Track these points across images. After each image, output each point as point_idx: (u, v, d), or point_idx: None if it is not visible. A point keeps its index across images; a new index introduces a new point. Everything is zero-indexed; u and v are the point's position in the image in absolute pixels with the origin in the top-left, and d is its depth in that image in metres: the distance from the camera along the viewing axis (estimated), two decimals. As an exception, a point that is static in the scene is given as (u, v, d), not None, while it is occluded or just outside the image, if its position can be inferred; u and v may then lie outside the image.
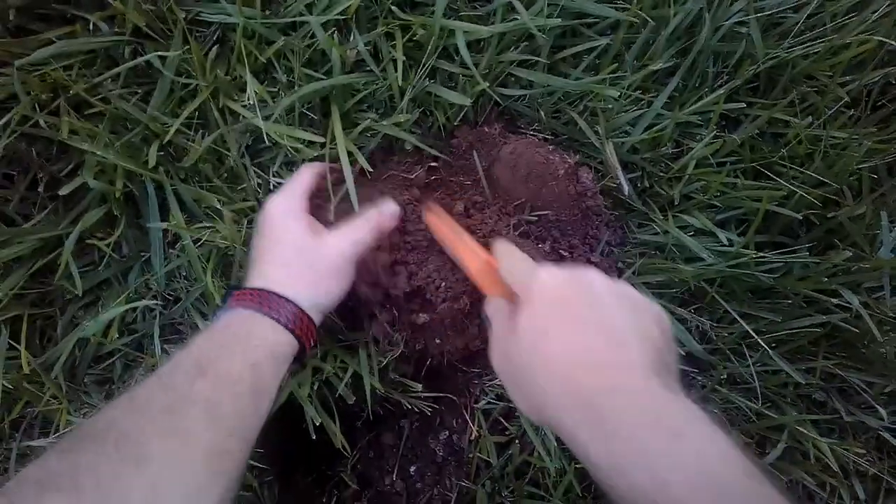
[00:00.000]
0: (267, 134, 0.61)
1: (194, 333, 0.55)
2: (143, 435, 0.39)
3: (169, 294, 0.66)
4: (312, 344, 0.55)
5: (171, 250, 0.65)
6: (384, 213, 0.60)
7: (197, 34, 0.65)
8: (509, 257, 0.46)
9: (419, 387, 0.68)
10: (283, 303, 0.52)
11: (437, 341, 0.68)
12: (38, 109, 0.60)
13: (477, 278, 0.52)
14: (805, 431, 0.71)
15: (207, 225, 0.63)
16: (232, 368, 0.46)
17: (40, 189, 0.61)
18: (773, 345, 0.74)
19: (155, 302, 0.65)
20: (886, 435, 0.77)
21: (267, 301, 0.52)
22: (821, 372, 0.75)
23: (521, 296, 0.42)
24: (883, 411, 0.73)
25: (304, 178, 0.59)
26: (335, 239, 0.56)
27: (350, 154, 0.64)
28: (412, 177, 0.69)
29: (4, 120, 0.58)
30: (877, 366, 0.75)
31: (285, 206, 0.57)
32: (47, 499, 0.34)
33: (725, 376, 0.74)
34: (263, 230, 0.57)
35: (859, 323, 0.72)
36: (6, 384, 0.60)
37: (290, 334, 0.52)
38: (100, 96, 0.61)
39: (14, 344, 0.61)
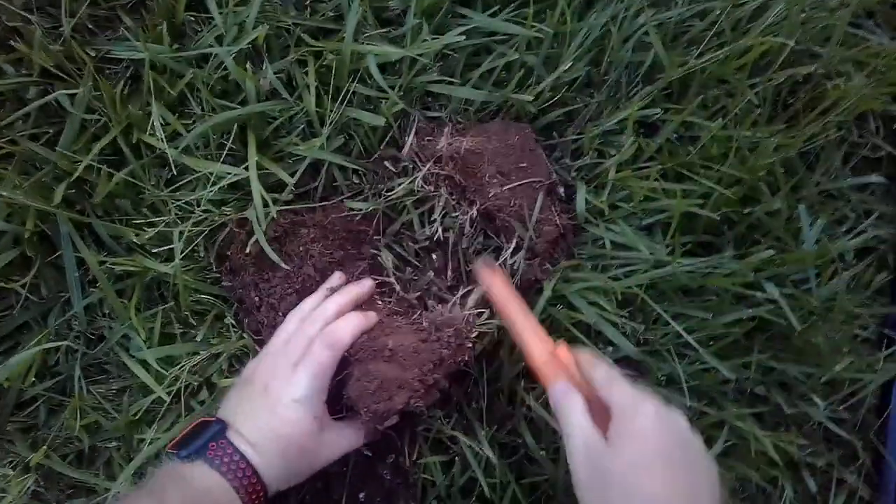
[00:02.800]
0: (177, 163, 0.60)
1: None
2: None
3: (92, 333, 0.65)
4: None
5: (91, 288, 0.64)
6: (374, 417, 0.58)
7: (108, 71, 0.65)
8: (607, 372, 0.49)
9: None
10: (258, 484, 0.52)
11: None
12: (-57, 155, 0.59)
13: (539, 370, 0.53)
14: (744, 426, 0.71)
15: (125, 259, 0.62)
16: None
17: (-50, 236, 0.60)
18: (710, 342, 0.75)
19: (77, 342, 0.63)
20: (830, 425, 0.77)
21: (238, 472, 0.51)
22: (759, 366, 0.76)
23: (620, 416, 0.44)
24: (819, 401, 0.74)
25: (327, 365, 0.57)
26: (329, 447, 0.58)
27: (270, 175, 0.64)
28: (358, 210, 0.68)
29: None
30: (811, 356, 0.76)
31: (303, 400, 0.55)
32: None
33: (665, 377, 0.75)
34: (272, 395, 0.55)
35: (787, 315, 0.73)
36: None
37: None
38: (7, 138, 0.61)
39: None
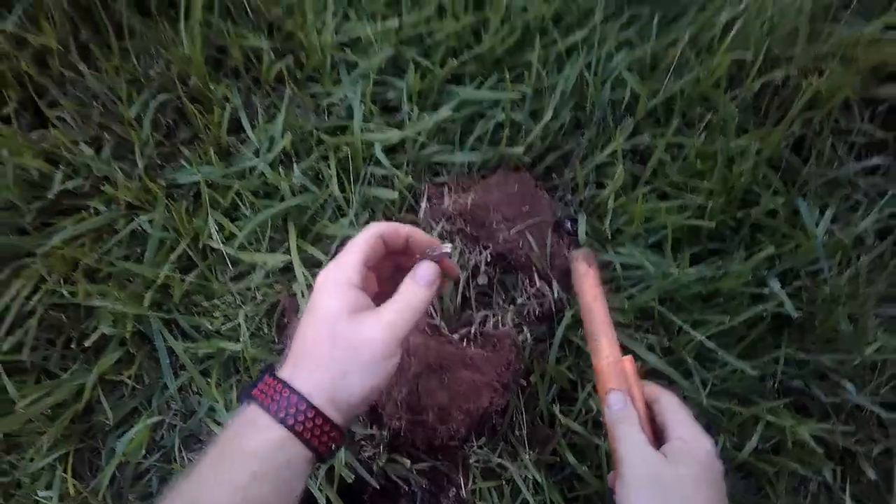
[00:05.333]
0: (234, 259, 0.74)
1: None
2: None
3: (185, 410, 0.78)
4: (329, 447, 0.46)
5: (181, 372, 0.78)
6: (420, 280, 0.50)
7: (175, 195, 0.81)
8: (671, 400, 0.54)
9: (408, 462, 0.75)
10: (292, 399, 0.44)
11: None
12: (60, 283, 0.76)
13: (602, 371, 0.56)
14: (777, 420, 0.73)
15: (205, 343, 0.76)
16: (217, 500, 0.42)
17: (73, 345, 0.76)
18: (737, 343, 0.78)
19: (175, 419, 0.77)
20: (875, 408, 0.78)
21: (274, 395, 0.45)
22: (793, 360, 0.78)
23: (682, 441, 0.51)
24: (849, 385, 0.75)
25: (359, 244, 0.50)
26: (369, 325, 0.47)
27: (311, 256, 0.77)
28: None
29: (37, 298, 0.75)
30: (840, 343, 0.78)
31: (331, 277, 0.48)
32: None
33: (698, 384, 0.78)
34: (308, 305, 0.49)
35: (803, 307, 0.76)
36: (66, 512, 0.72)
37: (295, 438, 0.44)
38: (107, 261, 0.77)
39: (64, 475, 0.73)
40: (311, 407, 0.44)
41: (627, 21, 0.88)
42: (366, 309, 0.48)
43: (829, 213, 0.81)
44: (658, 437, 0.53)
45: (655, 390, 0.56)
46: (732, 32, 0.80)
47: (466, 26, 0.83)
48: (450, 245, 0.51)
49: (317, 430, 0.44)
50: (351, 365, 0.46)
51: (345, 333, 0.46)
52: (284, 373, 0.46)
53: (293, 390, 0.44)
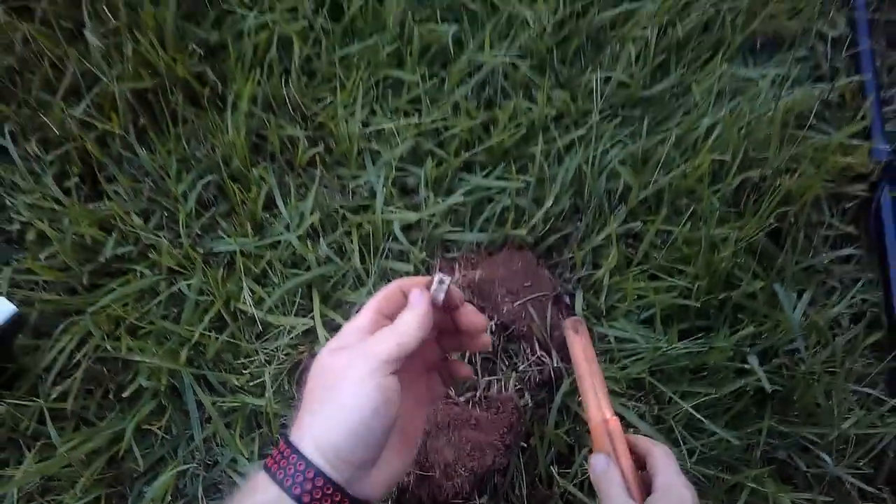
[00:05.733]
0: (262, 321, 0.82)
1: None
2: None
3: (209, 460, 0.84)
4: None
5: (207, 424, 0.84)
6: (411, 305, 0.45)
7: (212, 262, 0.90)
8: (667, 457, 0.57)
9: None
10: (299, 465, 0.39)
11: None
12: (105, 338, 0.84)
13: (591, 431, 0.60)
14: (760, 487, 0.78)
15: (231, 398, 0.82)
16: None
17: (111, 396, 0.83)
18: (723, 413, 0.84)
19: (199, 468, 0.82)
20: (853, 480, 0.82)
21: (282, 460, 0.40)
22: (777, 431, 0.83)
23: (665, 490, 0.54)
24: (827, 458, 0.80)
25: (369, 312, 0.46)
26: (352, 358, 0.42)
27: (333, 321, 0.84)
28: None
29: (83, 352, 0.82)
30: (819, 416, 0.83)
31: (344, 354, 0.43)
32: None
33: (686, 452, 0.84)
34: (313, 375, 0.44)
35: (784, 382, 0.83)
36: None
37: None
38: (147, 320, 0.85)
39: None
40: (324, 478, 0.39)
41: (621, 121, 0.99)
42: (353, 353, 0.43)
43: (806, 297, 0.89)
44: (649, 489, 0.57)
45: (647, 444, 0.59)
46: (713, 136, 0.90)
47: (478, 123, 0.94)
48: (441, 275, 0.47)
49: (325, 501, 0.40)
50: (352, 417, 0.40)
51: (330, 388, 0.41)
52: (293, 436, 0.41)
53: (307, 460, 0.40)
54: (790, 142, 0.93)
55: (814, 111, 0.96)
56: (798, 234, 0.90)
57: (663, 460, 0.57)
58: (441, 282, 0.47)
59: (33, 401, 0.79)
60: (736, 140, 0.92)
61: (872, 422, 0.83)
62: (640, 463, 0.59)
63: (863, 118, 0.96)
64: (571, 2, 1.02)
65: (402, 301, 0.47)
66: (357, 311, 0.46)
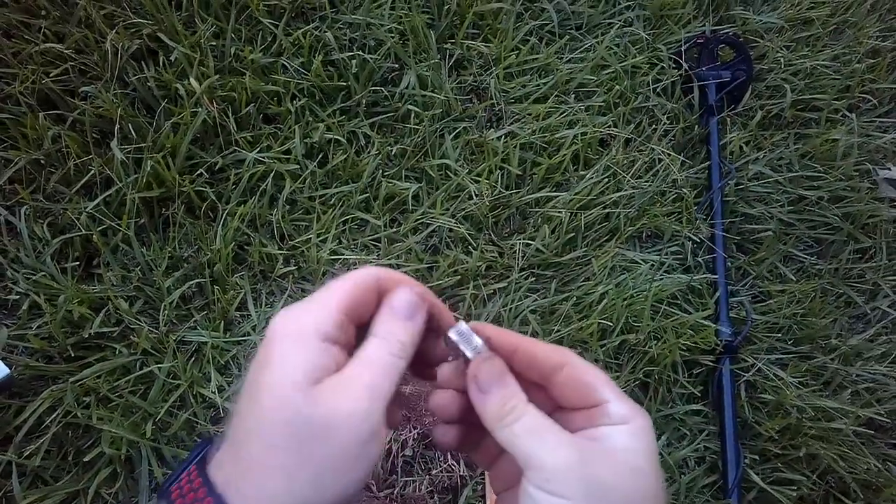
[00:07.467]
0: (221, 407, 0.96)
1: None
2: None
3: (148, 529, 0.94)
4: None
5: (153, 494, 0.95)
6: (399, 311, 0.36)
7: (183, 349, 1.05)
8: (594, 371, 0.36)
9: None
10: None
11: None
12: (76, 405, 0.95)
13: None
14: None
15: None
16: None
17: (69, 458, 0.93)
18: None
19: (137, 535, 0.92)
20: None
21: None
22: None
23: (620, 419, 0.34)
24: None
25: (345, 285, 0.35)
26: (340, 396, 0.32)
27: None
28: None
29: (56, 415, 0.93)
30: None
31: (292, 326, 0.33)
32: None
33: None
34: (256, 361, 0.34)
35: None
36: None
37: None
38: (118, 393, 0.97)
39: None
40: None
41: (535, 279, 1.25)
42: (330, 373, 0.33)
43: (663, 439, 1.12)
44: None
45: (550, 350, 0.37)
46: (602, 303, 1.17)
47: (424, 266, 1.17)
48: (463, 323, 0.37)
49: None
50: (321, 463, 0.31)
51: (307, 414, 0.31)
52: (220, 474, 0.32)
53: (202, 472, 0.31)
54: (660, 315, 1.20)
55: (679, 294, 1.25)
56: (660, 387, 1.15)
57: (594, 374, 0.36)
58: (461, 334, 0.36)
59: (2, 454, 0.89)
60: (620, 308, 1.18)
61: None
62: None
63: (715, 305, 1.26)
64: (507, 183, 1.30)
65: (376, 301, 0.36)
66: (316, 293, 0.35)
